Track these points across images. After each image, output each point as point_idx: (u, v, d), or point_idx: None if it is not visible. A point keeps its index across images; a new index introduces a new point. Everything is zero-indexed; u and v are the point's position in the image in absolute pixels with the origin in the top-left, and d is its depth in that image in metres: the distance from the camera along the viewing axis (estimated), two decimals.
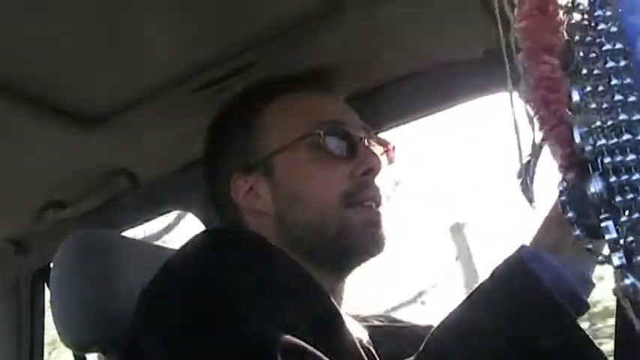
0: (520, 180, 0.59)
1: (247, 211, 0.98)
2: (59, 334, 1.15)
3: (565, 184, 0.55)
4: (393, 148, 1.04)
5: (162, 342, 0.79)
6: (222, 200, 1.01)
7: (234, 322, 0.75)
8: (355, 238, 0.94)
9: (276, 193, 0.97)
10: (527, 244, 0.76)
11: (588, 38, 0.53)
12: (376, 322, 1.04)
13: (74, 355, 1.42)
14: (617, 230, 0.49)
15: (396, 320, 1.09)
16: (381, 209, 0.96)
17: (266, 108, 1.01)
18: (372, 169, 0.96)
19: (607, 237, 0.50)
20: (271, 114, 1.01)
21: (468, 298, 0.76)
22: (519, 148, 0.58)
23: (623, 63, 0.51)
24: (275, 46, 1.06)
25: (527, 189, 0.59)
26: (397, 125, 1.26)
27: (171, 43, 1.05)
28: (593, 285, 0.75)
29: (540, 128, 0.56)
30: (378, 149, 1.02)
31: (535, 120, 0.56)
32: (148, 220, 1.46)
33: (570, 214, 0.55)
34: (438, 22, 1.08)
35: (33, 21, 0.93)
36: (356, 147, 0.97)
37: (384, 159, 1.02)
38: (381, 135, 1.26)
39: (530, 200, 0.60)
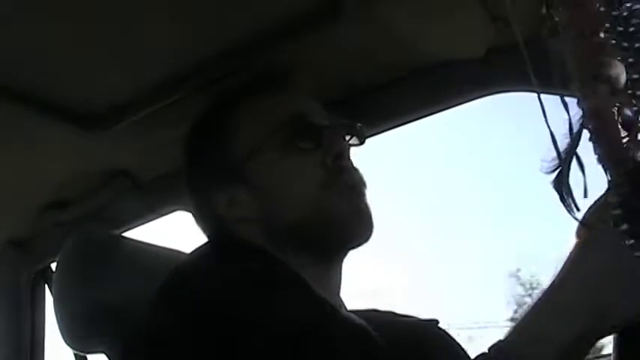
0: (559, 190, 0.62)
1: (231, 221, 0.98)
2: (61, 334, 1.15)
3: (619, 198, 0.60)
4: (360, 127, 1.05)
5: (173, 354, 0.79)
6: (205, 214, 1.02)
7: (244, 328, 0.75)
8: (343, 224, 0.95)
9: (256, 198, 0.97)
10: (504, 343, 0.74)
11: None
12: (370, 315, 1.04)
13: (75, 355, 1.42)
14: None
15: (392, 314, 1.09)
16: (361, 191, 0.97)
17: (228, 117, 1.02)
18: (341, 154, 0.97)
19: None
20: (234, 122, 1.01)
21: None
22: (559, 157, 0.61)
23: None
24: (275, 44, 1.06)
25: (567, 198, 0.62)
26: (397, 125, 1.26)
27: (171, 43, 1.05)
28: None
29: (598, 151, 0.59)
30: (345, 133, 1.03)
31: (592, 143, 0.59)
32: (148, 221, 1.46)
33: (624, 226, 0.61)
34: (438, 21, 1.08)
35: (33, 21, 0.93)
36: (321, 136, 0.98)
37: (354, 140, 1.03)
38: (381, 136, 1.27)
39: (572, 207, 0.62)
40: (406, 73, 1.21)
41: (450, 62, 1.17)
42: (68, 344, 1.17)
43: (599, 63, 0.57)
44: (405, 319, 1.07)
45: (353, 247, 0.98)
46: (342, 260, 0.99)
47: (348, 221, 0.95)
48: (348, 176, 0.97)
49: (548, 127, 0.60)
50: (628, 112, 0.58)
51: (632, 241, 0.61)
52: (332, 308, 0.88)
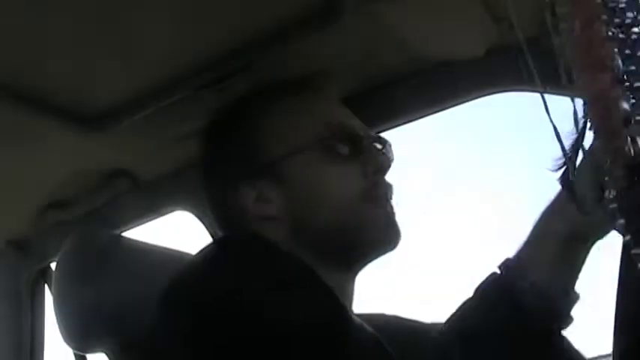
0: (567, 188, 0.62)
1: (257, 217, 0.97)
2: (61, 334, 1.15)
3: (616, 192, 0.58)
4: (390, 146, 1.05)
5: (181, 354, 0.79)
6: (227, 208, 1.00)
7: (253, 328, 0.75)
8: (375, 233, 0.96)
9: (289, 197, 0.96)
10: (511, 258, 0.77)
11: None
12: (379, 320, 1.05)
13: (75, 355, 1.42)
14: None
15: (400, 318, 1.10)
16: (393, 206, 0.98)
17: (267, 112, 1.01)
18: (382, 168, 0.99)
19: None
20: (274, 117, 1.01)
21: (453, 316, 0.77)
22: (565, 154, 0.61)
23: None
24: (275, 46, 1.06)
25: (573, 193, 0.61)
26: (397, 126, 1.27)
27: (171, 43, 1.05)
28: (577, 297, 0.76)
29: (599, 140, 0.58)
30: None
31: (593, 133, 0.58)
32: (148, 221, 1.46)
33: (621, 221, 0.57)
34: (438, 21, 1.08)
35: (33, 21, 0.93)
36: (364, 147, 0.99)
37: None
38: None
39: (580, 205, 0.62)
40: (406, 73, 1.21)
41: (450, 62, 1.18)
42: (68, 344, 1.17)
43: (601, 52, 0.57)
44: (411, 323, 1.07)
45: (376, 257, 0.98)
46: (360, 271, 0.99)
47: (378, 233, 0.96)
48: (384, 189, 0.98)
49: (552, 123, 0.60)
50: (625, 104, 0.57)
51: (628, 237, 0.59)
52: (351, 317, 0.87)
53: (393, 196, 0.99)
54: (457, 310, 0.78)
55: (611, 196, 0.58)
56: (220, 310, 0.78)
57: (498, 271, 0.78)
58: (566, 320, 0.76)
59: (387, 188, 0.99)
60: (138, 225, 1.45)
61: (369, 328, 0.92)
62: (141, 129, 1.21)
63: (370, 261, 0.98)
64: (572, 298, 0.77)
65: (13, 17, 0.92)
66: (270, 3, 1.00)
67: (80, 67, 1.06)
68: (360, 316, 0.98)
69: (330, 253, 0.94)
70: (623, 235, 0.57)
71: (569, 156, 0.62)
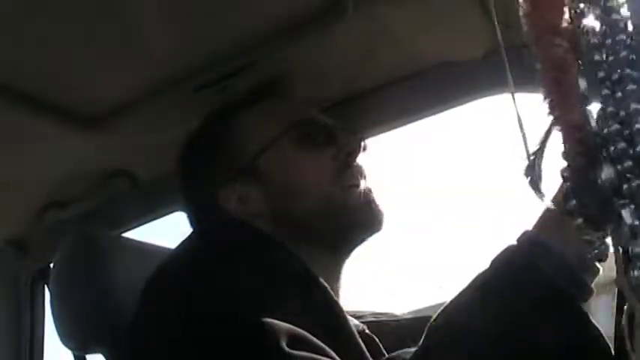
0: (528, 177, 0.59)
1: (241, 217, 0.98)
2: (59, 334, 1.15)
3: (570, 171, 0.54)
4: (363, 138, 1.07)
5: (159, 344, 0.79)
6: (211, 212, 1.02)
7: (232, 317, 0.75)
8: (356, 214, 0.98)
9: (268, 192, 0.99)
10: (528, 229, 0.76)
11: (602, 27, 0.52)
12: (371, 318, 1.05)
13: (74, 355, 1.42)
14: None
15: (392, 315, 1.10)
16: (370, 186, 1.01)
17: (238, 118, 1.04)
18: (353, 151, 1.02)
19: (627, 223, 0.47)
20: (244, 122, 1.04)
21: (469, 286, 0.76)
22: (525, 144, 0.58)
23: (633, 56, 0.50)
24: (275, 45, 1.06)
25: (536, 185, 0.58)
26: (397, 127, 1.26)
27: (171, 43, 1.05)
28: (597, 270, 0.74)
29: (551, 112, 0.55)
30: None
31: (545, 104, 0.55)
32: (148, 221, 1.46)
33: (572, 202, 0.53)
34: (438, 22, 1.08)
35: (32, 21, 0.93)
36: (334, 134, 1.03)
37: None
38: (380, 137, 1.27)
39: (540, 195, 0.59)
40: (406, 74, 1.21)
41: (450, 63, 1.17)
42: (66, 345, 1.16)
43: (557, 17, 0.54)
44: (405, 320, 1.07)
45: (363, 239, 1.00)
46: (348, 257, 1.01)
47: (359, 211, 0.98)
48: (356, 170, 1.00)
49: (519, 118, 0.58)
50: (582, 83, 0.53)
51: (580, 220, 0.55)
52: (344, 315, 0.87)
53: (367, 177, 1.01)
54: (470, 283, 0.76)
55: (565, 174, 0.54)
56: (199, 301, 0.79)
57: (516, 241, 0.77)
58: (586, 291, 0.73)
59: (359, 169, 1.01)
60: (138, 225, 1.45)
61: (359, 325, 0.93)
62: (141, 129, 1.21)
63: (356, 244, 1.00)
64: (592, 269, 0.74)
65: (13, 17, 0.92)
66: (271, 3, 1.00)
67: (80, 67, 1.06)
68: (353, 316, 0.98)
69: (314, 241, 0.96)
70: (572, 216, 0.53)
71: (536, 151, 0.59)
